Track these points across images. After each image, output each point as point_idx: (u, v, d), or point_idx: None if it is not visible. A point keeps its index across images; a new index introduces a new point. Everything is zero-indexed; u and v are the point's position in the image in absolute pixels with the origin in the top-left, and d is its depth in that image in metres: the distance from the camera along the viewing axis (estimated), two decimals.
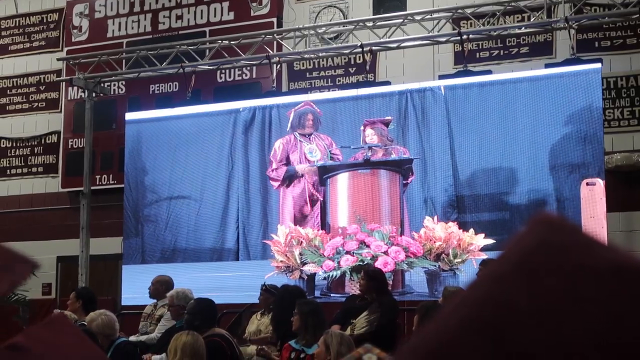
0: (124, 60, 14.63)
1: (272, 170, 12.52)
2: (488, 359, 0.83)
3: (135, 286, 12.51)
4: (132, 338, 10.22)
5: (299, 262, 11.83)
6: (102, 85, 14.80)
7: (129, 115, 14.17)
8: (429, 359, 0.85)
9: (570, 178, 11.07)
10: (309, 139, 12.42)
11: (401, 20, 12.57)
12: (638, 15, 11.38)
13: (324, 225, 12.02)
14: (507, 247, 0.92)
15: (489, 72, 12.31)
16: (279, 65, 13.67)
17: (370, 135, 11.85)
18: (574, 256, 0.87)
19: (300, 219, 12.28)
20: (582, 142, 11.15)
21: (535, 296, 0.85)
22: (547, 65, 12.12)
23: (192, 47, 13.72)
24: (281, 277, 11.62)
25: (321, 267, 11.64)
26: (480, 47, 13.49)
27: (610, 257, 0.87)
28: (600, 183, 10.83)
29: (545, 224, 0.91)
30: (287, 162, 12.49)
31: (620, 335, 0.82)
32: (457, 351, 0.84)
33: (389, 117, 12.00)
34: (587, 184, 10.86)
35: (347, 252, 11.50)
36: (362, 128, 11.89)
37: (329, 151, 12.18)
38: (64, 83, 15.88)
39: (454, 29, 12.46)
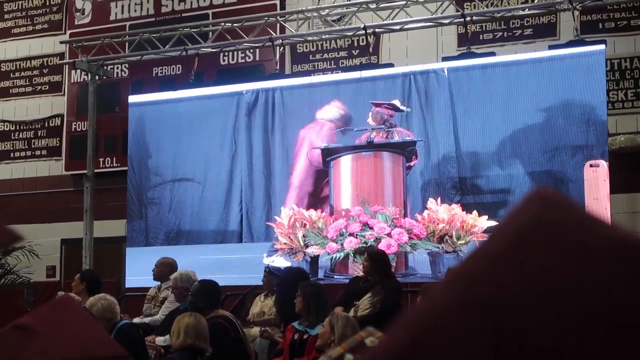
0: (127, 43, 14.60)
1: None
2: (481, 336, 0.82)
3: (139, 268, 12.52)
4: (136, 320, 10.24)
5: (302, 244, 11.84)
6: (105, 68, 14.78)
7: (132, 98, 14.16)
8: (425, 334, 0.85)
9: (574, 160, 11.06)
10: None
11: (404, 2, 12.53)
12: None
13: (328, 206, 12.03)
14: (502, 223, 0.91)
15: (493, 54, 12.28)
16: (282, 48, 13.63)
17: (375, 118, 11.83)
18: (571, 234, 0.86)
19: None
20: (586, 123, 11.13)
21: (530, 275, 0.84)
22: (550, 47, 12.08)
23: (195, 30, 13.70)
24: (284, 259, 11.64)
25: (324, 249, 11.64)
26: (484, 28, 13.45)
27: (608, 234, 0.86)
28: (604, 165, 10.81)
29: (541, 200, 0.90)
30: None
31: (620, 314, 0.81)
32: (452, 327, 0.84)
33: (398, 101, 11.95)
34: (591, 165, 10.85)
35: (351, 234, 11.50)
36: (372, 109, 11.84)
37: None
38: (67, 66, 15.87)
39: (457, 11, 12.43)
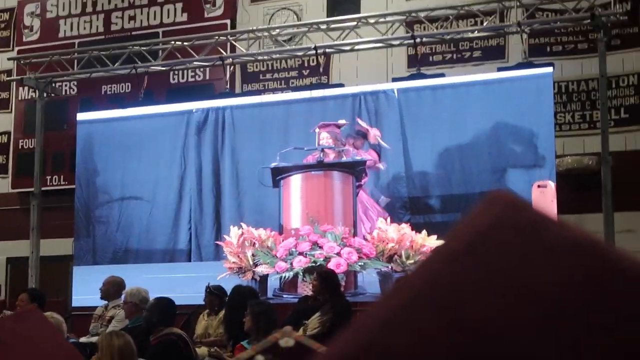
0: (75, 61, 14.48)
1: None
2: (437, 329, 0.82)
3: (86, 287, 12.40)
4: (83, 339, 10.14)
5: (251, 263, 11.80)
6: (53, 85, 14.65)
7: (81, 116, 14.05)
8: (383, 328, 0.85)
9: (522, 180, 11.16)
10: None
11: (355, 23, 12.60)
12: (589, 21, 11.48)
13: (277, 226, 12.00)
14: (461, 224, 0.91)
15: (442, 75, 12.38)
16: (232, 67, 13.63)
17: (325, 138, 11.85)
18: (530, 234, 0.87)
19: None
20: (534, 145, 11.25)
21: (489, 273, 0.84)
22: (499, 69, 12.22)
23: (145, 48, 13.64)
24: (233, 279, 11.57)
25: (274, 268, 11.61)
26: (434, 50, 13.55)
27: (564, 234, 0.87)
28: (551, 185, 10.92)
29: (500, 202, 0.90)
30: None
31: (575, 310, 0.81)
32: (409, 319, 0.84)
33: (343, 121, 12.01)
34: (539, 186, 10.95)
35: (300, 254, 11.49)
36: (317, 130, 11.87)
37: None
38: (14, 83, 15.71)
39: (407, 32, 12.51)
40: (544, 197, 10.80)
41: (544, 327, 0.81)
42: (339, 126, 11.92)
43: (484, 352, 0.82)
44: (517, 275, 0.83)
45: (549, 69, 11.45)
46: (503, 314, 0.82)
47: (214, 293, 10.05)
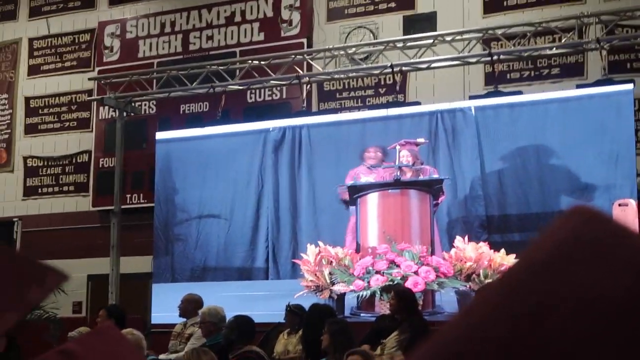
0: (154, 80, 14.70)
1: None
2: (522, 345, 0.82)
3: (165, 305, 12.51)
4: (162, 357, 10.23)
5: (328, 281, 11.81)
6: (132, 104, 14.89)
7: (160, 135, 14.21)
8: (461, 340, 0.85)
9: (602, 199, 11.00)
10: (371, 170, 12.28)
11: (431, 40, 12.57)
12: None
13: (355, 244, 11.99)
14: (540, 238, 0.91)
15: (520, 92, 12.29)
16: (309, 86, 13.70)
17: (405, 156, 11.81)
18: (608, 247, 0.86)
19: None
20: (614, 162, 11.09)
21: (569, 287, 0.84)
22: (578, 86, 12.08)
23: (222, 67, 13.78)
24: (310, 297, 11.59)
25: (351, 286, 11.60)
26: (511, 67, 13.47)
27: None
28: (632, 204, 10.75)
29: (580, 216, 0.90)
30: None
31: None
32: (488, 330, 0.84)
33: (423, 139, 11.95)
34: (620, 204, 10.79)
35: (377, 272, 11.46)
36: (398, 148, 11.81)
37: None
38: (95, 102, 15.96)
39: (484, 50, 12.46)
40: (626, 215, 10.62)
41: (619, 342, 0.80)
42: (417, 144, 11.88)
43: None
44: (595, 289, 0.83)
45: (630, 86, 11.28)
46: (580, 327, 0.82)
47: (294, 312, 10.09)
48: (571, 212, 0.91)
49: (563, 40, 12.05)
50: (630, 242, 0.87)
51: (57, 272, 1.15)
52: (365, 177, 12.13)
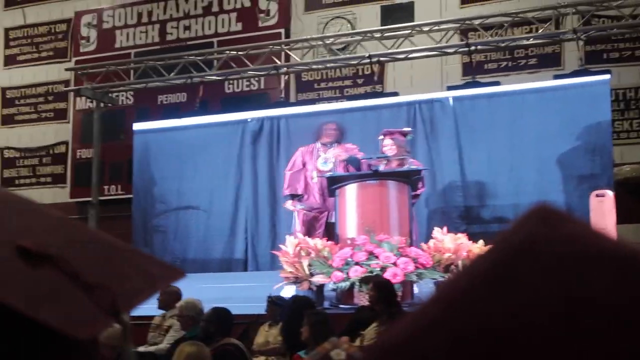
0: (132, 71, 14.62)
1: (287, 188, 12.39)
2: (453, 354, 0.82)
3: None
4: (141, 349, 10.21)
5: (307, 272, 11.80)
6: (110, 95, 14.82)
7: (137, 126, 14.18)
8: (399, 352, 0.85)
9: (579, 189, 11.07)
10: (327, 147, 12.32)
11: (409, 31, 12.58)
12: None
13: (332, 235, 11.99)
14: (495, 241, 0.90)
15: (497, 83, 12.32)
16: (287, 76, 13.69)
17: (389, 145, 11.75)
18: (569, 247, 0.85)
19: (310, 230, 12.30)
20: (591, 153, 11.15)
21: (519, 289, 0.83)
22: (555, 77, 12.13)
23: (200, 58, 13.74)
24: (290, 288, 11.60)
25: (330, 278, 11.60)
26: (489, 58, 13.49)
27: (611, 247, 0.85)
28: (609, 195, 10.80)
29: (536, 217, 0.89)
30: (303, 169, 12.40)
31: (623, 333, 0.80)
32: (422, 346, 0.84)
33: (408, 129, 11.93)
34: (597, 195, 10.83)
35: (356, 263, 11.44)
36: (381, 137, 11.79)
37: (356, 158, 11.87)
38: (72, 93, 15.89)
39: (461, 40, 12.48)
40: (603, 206, 10.68)
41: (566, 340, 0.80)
42: (404, 134, 11.81)
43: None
44: (549, 291, 0.82)
45: (606, 76, 11.34)
46: (528, 322, 0.81)
47: (276, 303, 10.08)
48: (528, 213, 0.90)
49: (540, 31, 12.08)
50: (585, 243, 0.85)
51: (175, 268, 1.15)
52: (309, 163, 12.16)
